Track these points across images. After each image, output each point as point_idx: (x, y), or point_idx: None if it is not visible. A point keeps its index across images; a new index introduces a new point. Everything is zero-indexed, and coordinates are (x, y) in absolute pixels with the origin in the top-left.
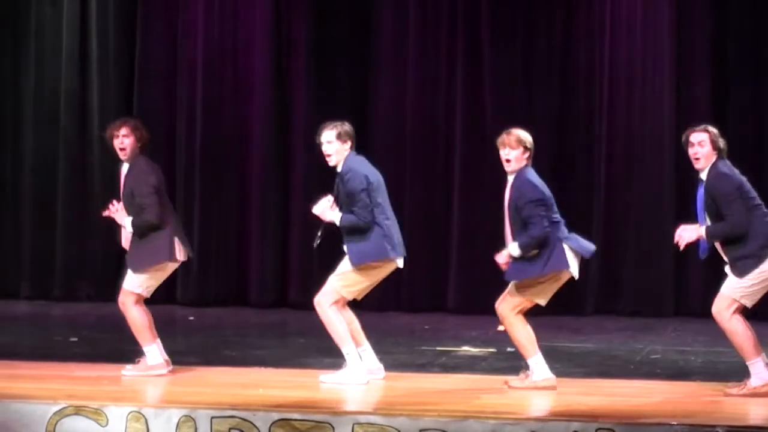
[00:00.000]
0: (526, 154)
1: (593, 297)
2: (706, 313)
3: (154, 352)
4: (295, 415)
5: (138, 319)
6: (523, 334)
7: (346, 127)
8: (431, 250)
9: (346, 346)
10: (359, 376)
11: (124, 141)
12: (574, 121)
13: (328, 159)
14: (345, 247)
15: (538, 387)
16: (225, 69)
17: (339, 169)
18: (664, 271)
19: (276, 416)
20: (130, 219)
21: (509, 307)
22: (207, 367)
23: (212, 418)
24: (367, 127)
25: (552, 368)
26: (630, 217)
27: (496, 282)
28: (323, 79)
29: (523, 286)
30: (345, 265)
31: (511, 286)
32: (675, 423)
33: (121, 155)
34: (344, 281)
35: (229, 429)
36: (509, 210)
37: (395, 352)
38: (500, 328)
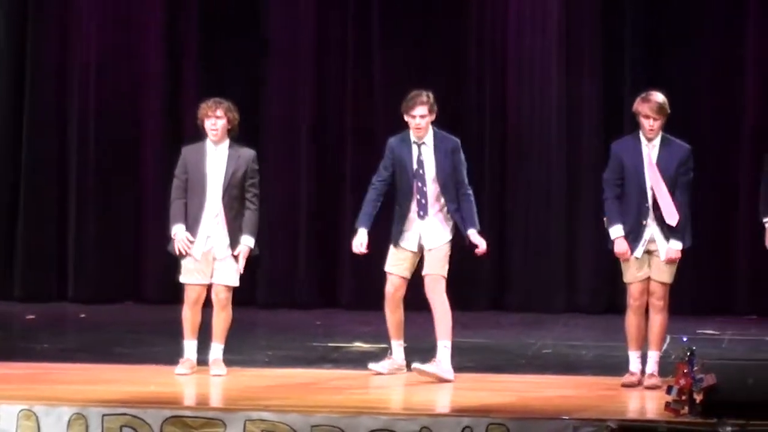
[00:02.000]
0: (665, 120)
1: (485, 292)
2: (595, 309)
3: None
4: (187, 413)
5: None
6: None
7: (433, 97)
8: (324, 247)
9: (449, 341)
10: (450, 373)
11: (217, 122)
12: (465, 119)
13: (418, 131)
14: (444, 227)
15: None
16: (118, 71)
17: (427, 141)
18: (555, 267)
19: (168, 413)
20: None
21: None
22: (99, 365)
23: (104, 415)
24: (259, 127)
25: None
26: (520, 214)
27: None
28: (214, 80)
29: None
30: (439, 250)
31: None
32: (566, 417)
33: (212, 136)
34: (444, 262)
35: (121, 427)
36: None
37: (288, 348)
38: None
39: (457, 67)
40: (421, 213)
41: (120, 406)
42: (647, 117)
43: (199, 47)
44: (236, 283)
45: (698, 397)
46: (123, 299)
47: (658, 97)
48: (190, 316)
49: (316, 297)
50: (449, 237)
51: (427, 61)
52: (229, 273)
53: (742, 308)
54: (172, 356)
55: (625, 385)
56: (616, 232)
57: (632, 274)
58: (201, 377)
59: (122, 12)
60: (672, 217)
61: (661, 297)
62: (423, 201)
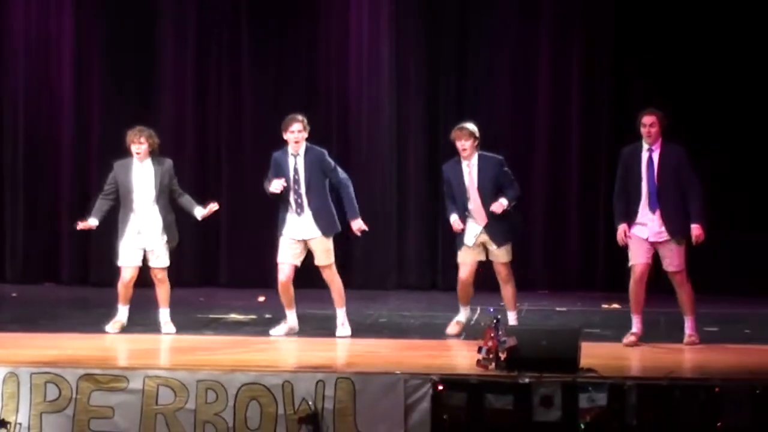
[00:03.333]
0: (476, 143)
1: None
2: (421, 287)
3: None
4: (97, 371)
5: None
6: None
7: (306, 120)
8: (204, 234)
9: (344, 308)
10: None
11: (140, 147)
12: (315, 135)
13: (297, 145)
14: (317, 222)
15: None
16: (40, 92)
17: (300, 153)
18: (388, 253)
19: (82, 372)
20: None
21: None
22: (27, 333)
23: (32, 374)
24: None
25: (302, 331)
26: (362, 211)
27: (261, 261)
28: (116, 98)
29: None
30: (325, 240)
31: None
32: (398, 372)
33: (137, 157)
34: (330, 253)
35: (45, 383)
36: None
37: (177, 319)
38: (261, 299)
39: (310, 89)
40: (299, 210)
41: (44, 366)
42: (459, 139)
43: (101, 70)
44: (168, 263)
45: (503, 356)
46: (44, 281)
47: (468, 125)
48: (124, 290)
49: (200, 276)
50: (326, 230)
51: (286, 88)
52: (162, 258)
53: (538, 284)
54: (85, 326)
55: None
56: (453, 217)
57: (463, 257)
58: (109, 342)
59: (42, 46)
60: (482, 221)
61: (506, 273)
62: (299, 200)
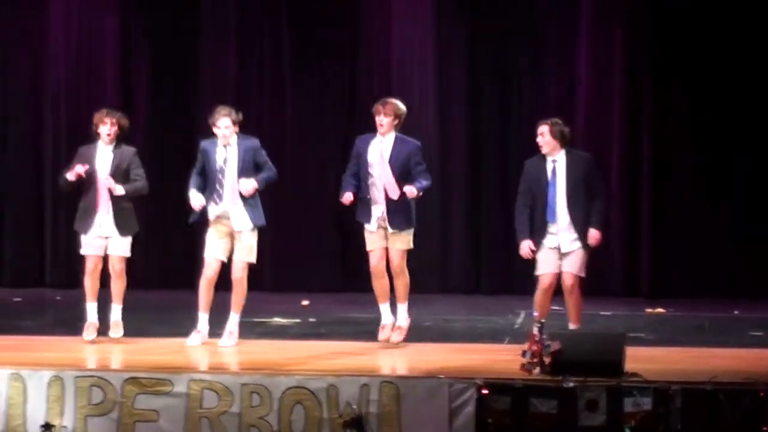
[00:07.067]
0: (396, 121)
1: None
2: (464, 290)
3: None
4: (142, 374)
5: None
6: None
7: (235, 112)
8: None
9: (239, 314)
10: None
11: (111, 129)
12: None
13: (224, 138)
14: (241, 212)
15: None
16: (81, 98)
17: (232, 145)
18: (432, 256)
19: (127, 375)
20: (122, 186)
21: None
22: (71, 337)
23: (76, 377)
24: (192, 145)
25: (342, 334)
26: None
27: (304, 265)
28: (160, 108)
29: None
30: (249, 235)
31: None
32: (442, 377)
33: (107, 140)
34: (251, 250)
35: (90, 386)
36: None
37: (220, 323)
38: (304, 302)
39: (352, 95)
40: (217, 200)
41: (89, 369)
42: (378, 113)
43: (147, 77)
44: (128, 254)
45: (547, 360)
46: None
47: (392, 100)
48: (90, 283)
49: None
50: (252, 225)
51: (327, 93)
52: (121, 247)
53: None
54: (129, 330)
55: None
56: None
57: (371, 244)
58: (153, 345)
59: (83, 47)
60: (395, 194)
61: (398, 264)
62: (221, 191)
